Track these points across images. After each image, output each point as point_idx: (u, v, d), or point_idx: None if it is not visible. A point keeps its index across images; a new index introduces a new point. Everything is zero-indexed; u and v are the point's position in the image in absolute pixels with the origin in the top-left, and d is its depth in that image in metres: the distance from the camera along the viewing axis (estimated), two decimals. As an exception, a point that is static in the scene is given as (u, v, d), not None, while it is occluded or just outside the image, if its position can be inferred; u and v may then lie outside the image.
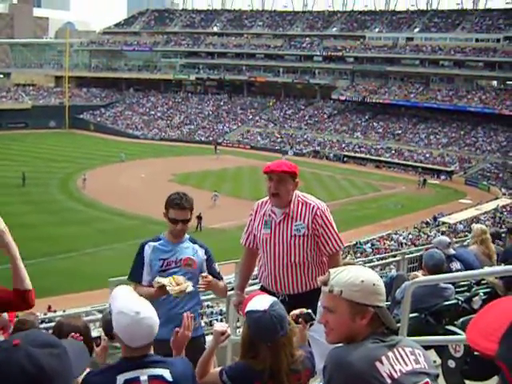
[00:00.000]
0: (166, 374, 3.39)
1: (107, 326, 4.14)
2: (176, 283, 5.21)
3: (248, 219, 5.80)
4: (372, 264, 19.29)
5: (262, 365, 3.58)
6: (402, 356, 2.92)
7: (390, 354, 2.90)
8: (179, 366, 3.55)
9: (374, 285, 3.01)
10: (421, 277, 8.81)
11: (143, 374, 3.33)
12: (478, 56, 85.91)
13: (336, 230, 5.54)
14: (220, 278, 5.77)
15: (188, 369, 3.63)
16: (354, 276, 3.05)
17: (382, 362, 2.85)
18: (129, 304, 3.40)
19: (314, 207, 5.43)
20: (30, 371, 1.98)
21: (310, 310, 4.14)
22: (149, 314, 3.40)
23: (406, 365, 2.90)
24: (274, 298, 3.77)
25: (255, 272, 6.06)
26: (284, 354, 3.60)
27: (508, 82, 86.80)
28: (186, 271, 5.60)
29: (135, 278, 5.66)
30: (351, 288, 3.02)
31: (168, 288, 5.18)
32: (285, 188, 5.34)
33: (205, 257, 5.80)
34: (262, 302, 3.66)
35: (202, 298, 11.66)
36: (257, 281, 6.51)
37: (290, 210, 5.44)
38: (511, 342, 0.83)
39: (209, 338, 5.70)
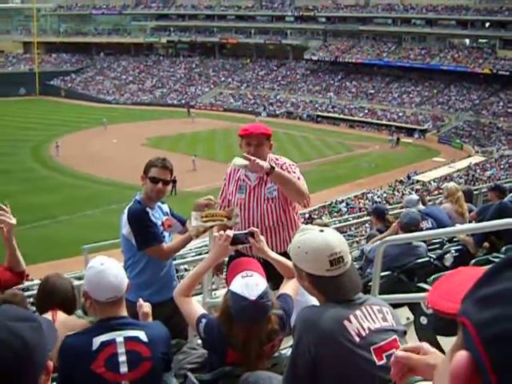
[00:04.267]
0: (141, 335, 3.52)
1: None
2: (209, 217, 5.05)
3: (222, 184, 5.78)
4: (347, 223, 19.50)
5: (234, 339, 3.57)
6: (369, 314, 2.97)
7: (358, 312, 2.95)
8: (154, 328, 3.67)
9: (306, 253, 3.05)
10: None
11: (119, 336, 3.45)
12: (450, 14, 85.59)
13: (303, 183, 5.47)
14: (185, 221, 5.70)
15: (163, 331, 3.69)
16: (297, 240, 3.15)
17: (350, 321, 2.90)
18: (97, 259, 3.64)
19: (283, 164, 5.44)
20: (14, 346, 1.93)
21: (246, 231, 4.13)
22: (113, 266, 3.61)
23: (374, 322, 2.95)
24: (264, 284, 3.57)
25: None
26: (258, 337, 3.58)
27: (480, 41, 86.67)
28: (169, 232, 5.62)
29: (159, 238, 5.39)
30: (292, 251, 3.16)
31: (227, 222, 5.03)
32: (263, 151, 5.35)
33: (168, 210, 5.79)
34: (251, 288, 3.49)
35: (179, 261, 11.75)
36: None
37: (263, 174, 5.35)
38: (478, 297, 0.84)
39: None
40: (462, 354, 0.83)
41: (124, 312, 3.64)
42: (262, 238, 4.04)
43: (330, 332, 2.86)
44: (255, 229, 4.06)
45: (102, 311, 3.57)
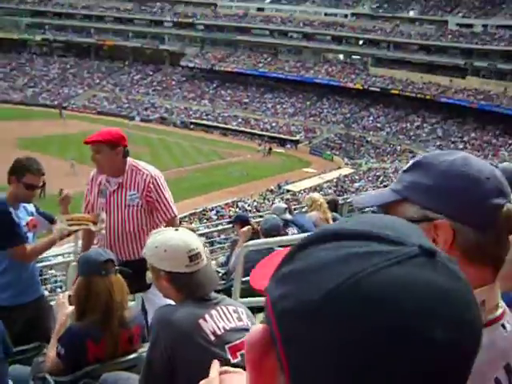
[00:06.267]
0: None
1: None
2: (75, 220, 5.00)
3: (85, 188, 5.73)
4: (216, 229, 19.81)
5: (96, 307, 3.63)
6: (225, 314, 3.08)
7: (214, 312, 3.04)
8: None
9: (165, 251, 3.15)
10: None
11: None
12: (326, 30, 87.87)
13: (169, 197, 5.54)
14: (52, 218, 5.67)
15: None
16: (153, 241, 3.24)
17: (205, 320, 2.99)
18: None
19: (146, 176, 5.43)
20: None
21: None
22: None
23: (230, 322, 3.06)
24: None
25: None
26: (117, 290, 3.68)
27: (353, 57, 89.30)
28: (33, 232, 5.51)
29: (22, 239, 5.26)
30: (149, 252, 3.24)
31: (92, 227, 5.01)
32: (102, 157, 5.31)
33: (34, 209, 5.67)
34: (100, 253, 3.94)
35: (47, 263, 11.53)
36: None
37: (123, 180, 5.42)
38: (278, 275, 0.89)
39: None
40: (259, 326, 0.88)
41: None
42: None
43: (185, 331, 2.94)
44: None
45: None
